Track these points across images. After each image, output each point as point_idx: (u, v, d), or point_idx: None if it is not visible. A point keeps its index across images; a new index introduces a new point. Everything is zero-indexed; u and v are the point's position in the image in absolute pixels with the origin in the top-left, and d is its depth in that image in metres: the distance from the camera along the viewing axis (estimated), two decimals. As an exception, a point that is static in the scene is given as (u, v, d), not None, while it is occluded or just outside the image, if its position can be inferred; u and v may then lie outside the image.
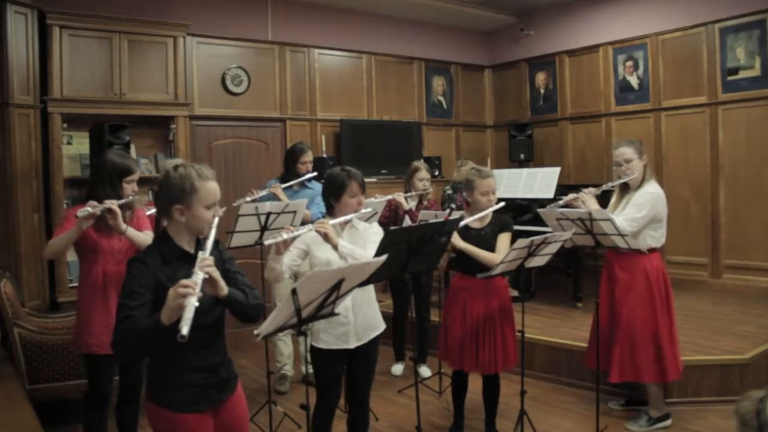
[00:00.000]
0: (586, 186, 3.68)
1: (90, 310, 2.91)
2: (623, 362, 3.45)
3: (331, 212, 2.82)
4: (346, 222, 2.76)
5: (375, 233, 2.79)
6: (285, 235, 2.45)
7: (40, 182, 4.79)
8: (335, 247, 2.61)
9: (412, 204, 4.47)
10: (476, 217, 3.24)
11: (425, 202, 4.60)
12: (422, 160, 4.81)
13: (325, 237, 2.59)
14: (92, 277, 2.92)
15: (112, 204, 2.78)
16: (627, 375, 3.47)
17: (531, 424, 3.40)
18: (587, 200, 3.45)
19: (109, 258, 2.93)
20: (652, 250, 3.50)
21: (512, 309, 3.39)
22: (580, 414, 3.82)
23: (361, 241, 2.76)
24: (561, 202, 3.49)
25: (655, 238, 3.50)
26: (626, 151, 3.49)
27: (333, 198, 2.77)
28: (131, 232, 2.90)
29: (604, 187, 3.68)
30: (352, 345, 2.76)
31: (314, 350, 2.77)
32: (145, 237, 2.91)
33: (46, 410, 3.39)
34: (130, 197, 2.93)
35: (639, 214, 3.39)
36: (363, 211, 2.78)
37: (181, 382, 1.94)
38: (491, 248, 3.22)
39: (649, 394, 3.58)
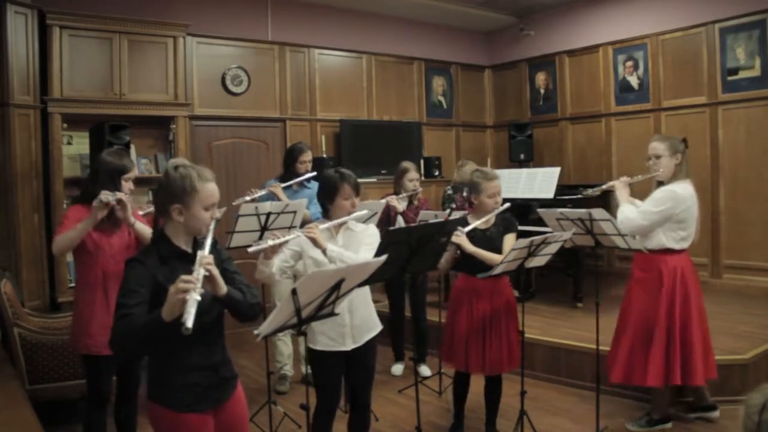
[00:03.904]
0: (586, 186, 3.67)
1: (90, 311, 2.89)
2: (629, 362, 3.37)
3: (326, 214, 2.82)
4: (341, 224, 2.76)
5: (370, 235, 2.80)
6: (270, 242, 2.45)
7: (40, 182, 4.80)
8: (324, 252, 2.62)
9: (402, 204, 4.48)
10: (483, 220, 3.25)
11: (416, 202, 4.61)
12: (411, 161, 4.79)
13: (314, 241, 2.60)
14: (91, 277, 2.90)
15: (123, 195, 2.79)
16: (628, 377, 3.38)
17: (531, 424, 3.40)
18: (618, 189, 3.46)
19: (109, 257, 2.91)
20: (670, 252, 3.34)
21: (516, 309, 3.38)
22: (580, 414, 3.82)
23: (357, 243, 2.75)
24: (604, 186, 3.50)
25: (674, 239, 3.34)
26: (657, 147, 3.40)
27: (327, 200, 2.78)
28: (139, 225, 2.91)
29: (636, 179, 3.54)
30: (349, 347, 2.75)
31: (311, 352, 2.77)
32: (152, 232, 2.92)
33: (46, 410, 3.39)
34: (129, 194, 2.93)
35: (654, 208, 3.30)
36: (357, 213, 2.77)
37: (183, 382, 1.94)
38: (498, 249, 3.23)
39: (653, 394, 3.57)
